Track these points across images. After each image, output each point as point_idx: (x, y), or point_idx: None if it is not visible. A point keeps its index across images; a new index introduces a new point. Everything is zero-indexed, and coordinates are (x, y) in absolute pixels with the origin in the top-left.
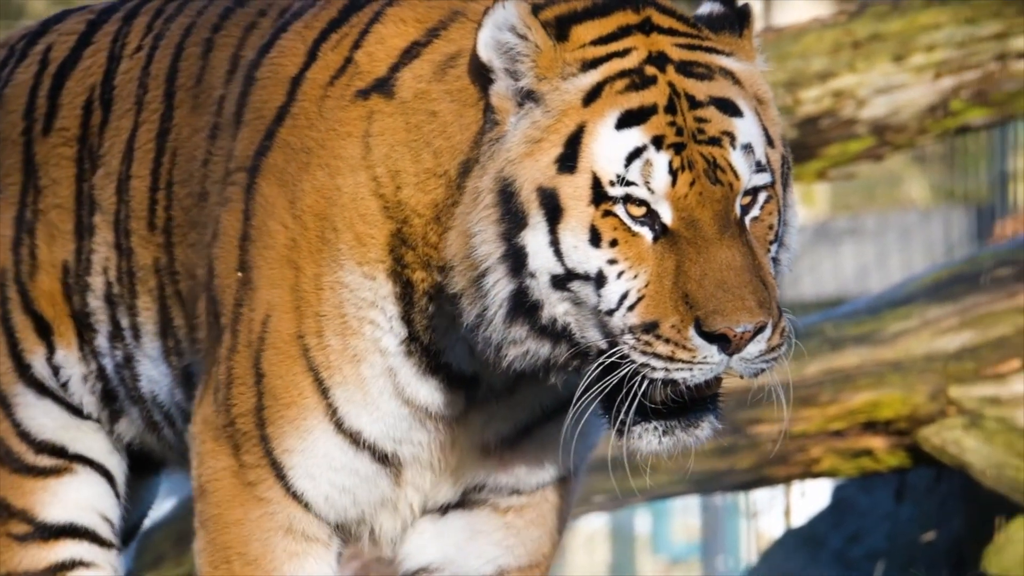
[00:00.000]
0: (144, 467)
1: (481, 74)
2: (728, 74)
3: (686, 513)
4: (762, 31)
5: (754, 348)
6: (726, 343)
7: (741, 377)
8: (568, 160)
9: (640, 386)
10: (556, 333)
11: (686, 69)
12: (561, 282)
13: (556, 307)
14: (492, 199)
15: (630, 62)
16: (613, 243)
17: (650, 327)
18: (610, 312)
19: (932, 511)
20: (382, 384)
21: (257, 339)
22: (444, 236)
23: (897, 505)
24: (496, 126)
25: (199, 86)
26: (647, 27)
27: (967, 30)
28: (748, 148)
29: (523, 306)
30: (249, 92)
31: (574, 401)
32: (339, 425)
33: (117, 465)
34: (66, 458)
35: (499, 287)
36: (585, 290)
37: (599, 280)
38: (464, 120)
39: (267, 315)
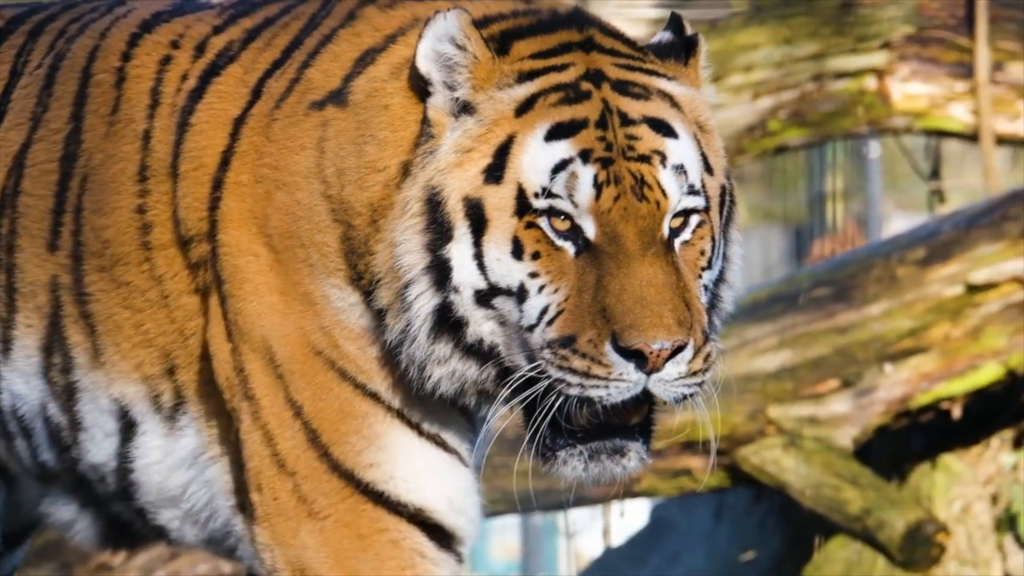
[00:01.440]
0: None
1: (419, 86)
2: (666, 97)
3: (504, 532)
4: None
5: (673, 369)
6: (643, 360)
7: (664, 404)
8: (496, 170)
9: (556, 401)
10: (483, 353)
11: (622, 88)
12: (485, 298)
13: (482, 326)
14: (419, 208)
15: (567, 76)
16: (535, 256)
17: (567, 341)
18: (531, 328)
19: (751, 531)
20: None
21: (274, 379)
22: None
23: (716, 525)
24: (431, 139)
25: (115, 115)
26: (588, 45)
27: (785, 50)
28: (680, 169)
29: (447, 322)
30: (183, 140)
31: (486, 420)
32: (414, 425)
33: None
34: None
35: (422, 300)
36: (508, 306)
37: (520, 294)
38: (411, 116)
39: (268, 349)
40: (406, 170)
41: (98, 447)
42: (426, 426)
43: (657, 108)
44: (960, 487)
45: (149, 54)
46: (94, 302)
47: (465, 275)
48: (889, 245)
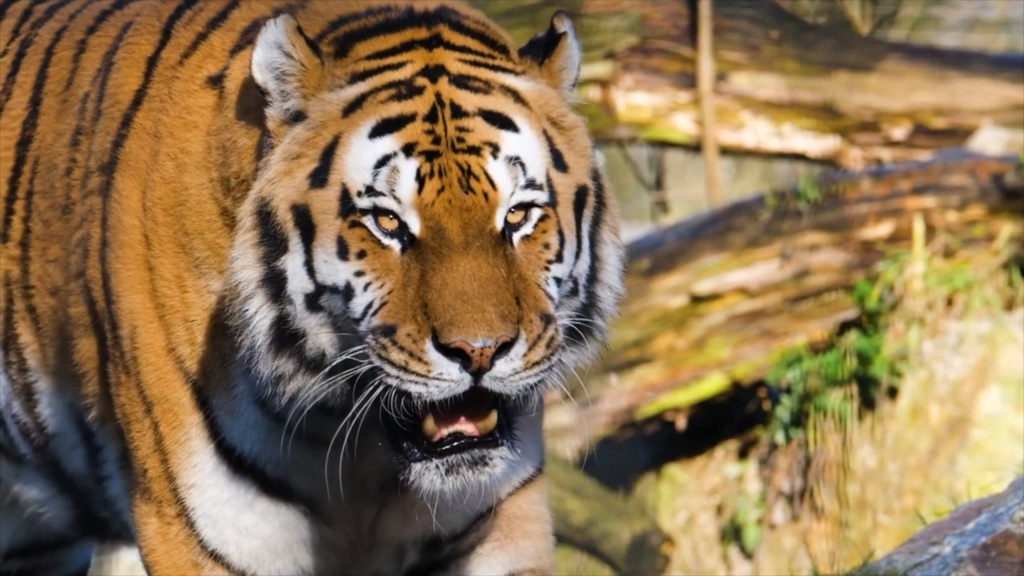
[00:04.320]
0: None
1: (258, 97)
2: (511, 92)
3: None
4: None
5: (506, 367)
6: (466, 360)
7: (510, 396)
8: (321, 173)
9: (377, 390)
10: (326, 366)
11: (461, 81)
12: (313, 299)
13: (319, 336)
14: (252, 221)
15: (402, 74)
16: (361, 255)
17: (388, 330)
18: (357, 320)
19: None
20: (243, 388)
21: (131, 359)
22: None
23: None
24: (271, 150)
25: (68, 90)
26: (434, 42)
27: None
28: (515, 161)
29: (285, 335)
30: (107, 79)
31: (349, 417)
32: (218, 443)
33: None
34: None
35: (261, 315)
36: (335, 303)
37: (347, 292)
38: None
39: (133, 327)
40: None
41: (69, 456)
42: (225, 435)
43: (496, 102)
44: (685, 498)
45: (114, 24)
46: (36, 296)
47: (297, 282)
48: None
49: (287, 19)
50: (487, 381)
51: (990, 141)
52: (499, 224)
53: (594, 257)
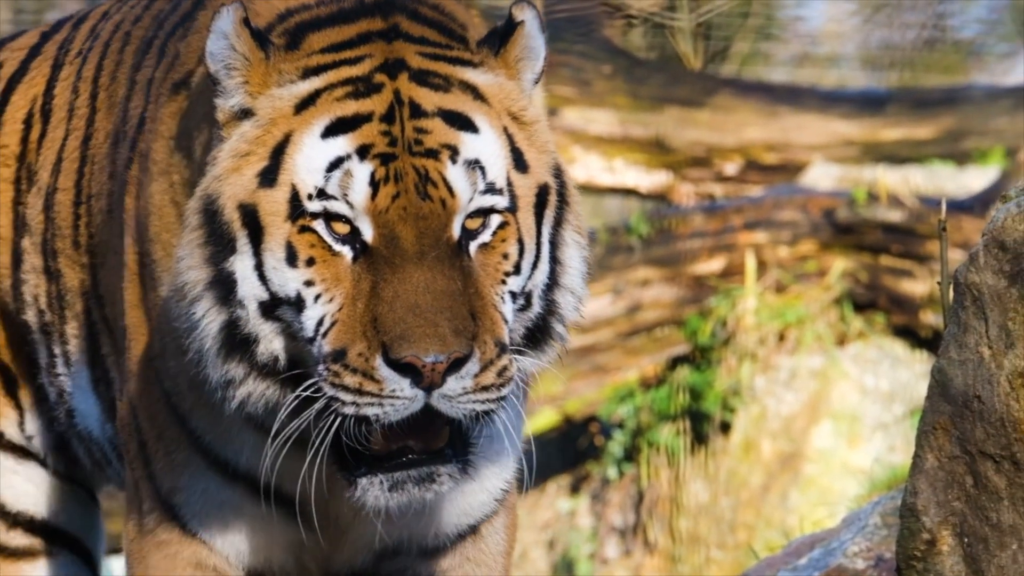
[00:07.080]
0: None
1: (211, 87)
2: (470, 88)
3: None
4: None
5: (456, 384)
6: (418, 375)
7: (459, 421)
8: (270, 173)
9: (334, 423)
10: (279, 372)
11: (421, 78)
12: (269, 309)
13: (273, 342)
14: (197, 220)
15: (359, 69)
16: (310, 262)
17: (339, 355)
18: (310, 340)
19: None
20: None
21: (126, 371)
22: None
23: None
24: (220, 143)
25: (113, 83)
26: (392, 34)
27: None
28: (474, 165)
29: (235, 339)
30: (129, 97)
31: (313, 452)
32: (208, 455)
33: (97, 536)
34: (43, 535)
35: (209, 318)
36: (290, 315)
37: (298, 304)
38: None
39: (130, 340)
40: None
41: None
42: (216, 451)
43: (456, 100)
44: (518, 532)
45: (154, 16)
46: (107, 306)
47: (248, 288)
48: None
49: (237, 8)
50: (435, 399)
51: (821, 176)
52: (456, 232)
53: (555, 261)
